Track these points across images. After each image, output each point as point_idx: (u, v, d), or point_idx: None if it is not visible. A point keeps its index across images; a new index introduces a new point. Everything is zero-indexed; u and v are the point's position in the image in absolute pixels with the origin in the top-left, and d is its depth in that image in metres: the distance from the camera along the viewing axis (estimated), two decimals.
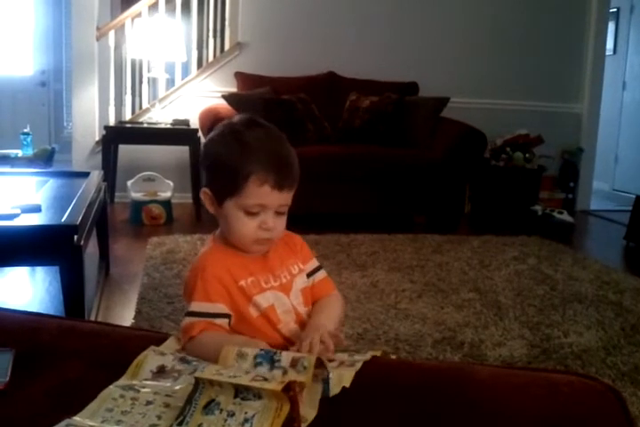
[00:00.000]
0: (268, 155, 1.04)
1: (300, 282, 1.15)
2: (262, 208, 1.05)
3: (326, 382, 0.83)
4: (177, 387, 0.86)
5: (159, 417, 0.80)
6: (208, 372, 0.82)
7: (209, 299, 1.03)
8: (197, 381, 0.80)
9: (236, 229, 1.07)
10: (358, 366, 0.92)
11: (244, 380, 0.79)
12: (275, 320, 1.08)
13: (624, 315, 2.46)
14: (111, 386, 0.87)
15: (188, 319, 1.02)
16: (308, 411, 0.79)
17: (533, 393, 0.86)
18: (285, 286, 1.11)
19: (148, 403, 0.83)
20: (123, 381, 0.89)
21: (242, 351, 0.88)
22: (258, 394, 0.77)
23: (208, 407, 0.78)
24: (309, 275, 1.17)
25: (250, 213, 1.05)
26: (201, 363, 0.92)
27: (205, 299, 1.03)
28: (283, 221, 1.09)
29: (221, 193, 1.07)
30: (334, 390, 0.83)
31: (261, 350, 0.88)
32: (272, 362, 0.86)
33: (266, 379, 0.79)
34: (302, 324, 1.11)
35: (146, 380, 0.89)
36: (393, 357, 1.20)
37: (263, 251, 1.11)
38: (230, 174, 1.04)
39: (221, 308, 1.04)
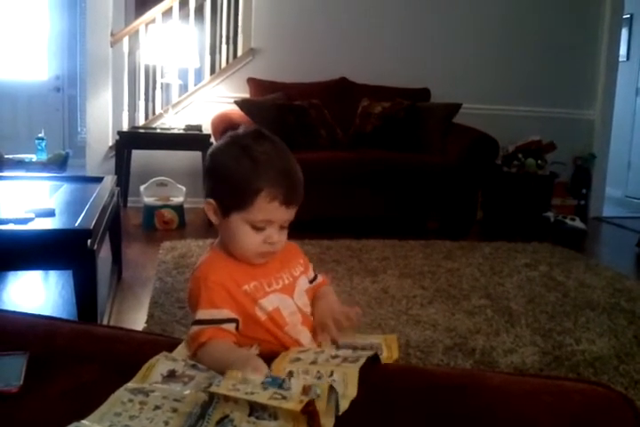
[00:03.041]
0: (278, 171, 1.05)
1: (304, 283, 1.17)
2: (268, 223, 1.06)
3: (335, 401, 0.81)
4: (186, 392, 0.86)
5: (166, 423, 0.79)
6: (224, 387, 0.80)
7: (214, 305, 1.04)
8: (212, 394, 0.79)
9: (240, 243, 1.08)
10: (362, 361, 0.92)
11: (262, 397, 0.77)
12: (281, 323, 1.08)
13: (637, 323, 2.44)
14: (121, 389, 0.87)
15: (195, 328, 1.02)
16: (327, 420, 0.78)
17: (545, 401, 0.86)
18: (288, 287, 1.12)
19: (156, 408, 0.82)
20: (133, 384, 0.89)
21: (247, 379, 0.84)
22: (274, 414, 0.76)
23: (221, 423, 0.76)
24: (311, 282, 1.20)
25: (256, 228, 1.06)
26: (215, 375, 0.91)
27: (211, 306, 1.04)
28: (285, 234, 1.11)
29: (228, 206, 1.07)
30: (343, 405, 0.82)
31: (268, 377, 0.85)
32: (281, 389, 0.82)
33: (284, 397, 0.77)
34: (309, 325, 1.12)
35: (156, 383, 0.89)
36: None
37: (264, 262, 1.12)
38: (239, 189, 1.04)
39: (227, 313, 1.04)
